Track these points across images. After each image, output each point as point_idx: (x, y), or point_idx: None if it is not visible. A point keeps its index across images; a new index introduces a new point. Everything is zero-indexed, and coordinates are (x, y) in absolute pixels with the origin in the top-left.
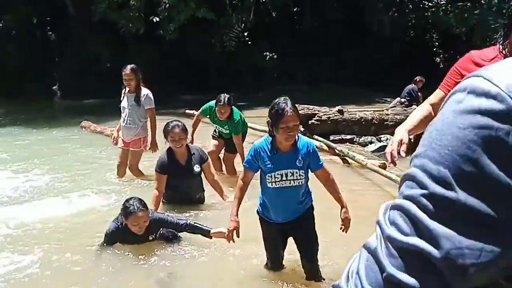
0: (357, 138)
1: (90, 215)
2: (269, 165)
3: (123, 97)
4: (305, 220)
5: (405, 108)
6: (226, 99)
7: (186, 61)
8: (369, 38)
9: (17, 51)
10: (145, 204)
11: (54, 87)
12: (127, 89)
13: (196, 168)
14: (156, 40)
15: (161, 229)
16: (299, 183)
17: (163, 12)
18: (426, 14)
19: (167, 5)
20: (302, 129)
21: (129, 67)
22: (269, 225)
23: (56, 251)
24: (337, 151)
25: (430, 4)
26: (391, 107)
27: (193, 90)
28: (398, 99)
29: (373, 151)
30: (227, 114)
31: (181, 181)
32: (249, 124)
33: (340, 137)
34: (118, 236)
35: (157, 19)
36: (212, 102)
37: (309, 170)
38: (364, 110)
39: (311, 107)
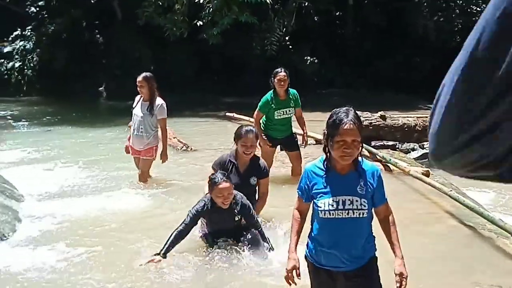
0: (399, 145)
1: (132, 212)
2: (322, 189)
3: (137, 103)
4: (367, 275)
5: None
6: (283, 69)
7: (227, 65)
8: (412, 43)
9: (66, 53)
10: (229, 177)
11: (100, 88)
12: (143, 96)
13: (253, 181)
14: (198, 43)
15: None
16: (360, 214)
17: (207, 16)
18: (474, 19)
19: (211, 9)
20: (319, 136)
21: (142, 75)
22: (319, 273)
23: (103, 245)
24: (378, 157)
25: (478, 9)
26: None
27: (233, 93)
28: None
29: (415, 158)
30: (287, 84)
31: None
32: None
33: (381, 143)
34: (204, 212)
35: (201, 23)
36: (265, 96)
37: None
38: (407, 116)
39: None
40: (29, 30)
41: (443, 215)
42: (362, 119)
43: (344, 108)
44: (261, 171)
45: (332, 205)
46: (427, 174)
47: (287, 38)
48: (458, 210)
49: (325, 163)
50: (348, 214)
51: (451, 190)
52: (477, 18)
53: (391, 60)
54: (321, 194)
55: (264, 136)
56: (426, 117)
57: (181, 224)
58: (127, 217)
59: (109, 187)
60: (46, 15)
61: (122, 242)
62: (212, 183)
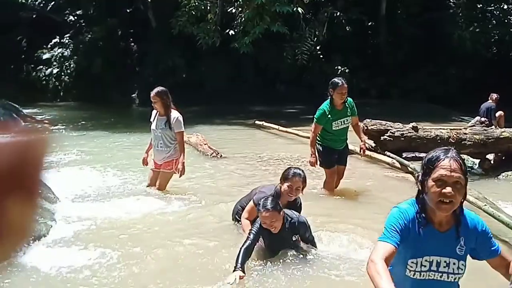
0: None
1: (164, 216)
2: (416, 246)
3: (154, 118)
4: None
5: (485, 128)
6: (343, 80)
7: (258, 74)
8: (447, 54)
9: (102, 61)
10: (277, 204)
11: (133, 95)
12: (158, 111)
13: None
14: (229, 52)
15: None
16: (455, 279)
17: (239, 25)
18: (511, 30)
19: (243, 19)
20: (373, 144)
21: (155, 90)
22: None
23: (136, 248)
24: (410, 169)
25: None
26: (469, 126)
27: (263, 102)
28: (477, 118)
29: None
30: (346, 96)
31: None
32: None
33: (413, 155)
34: (262, 231)
35: (233, 32)
36: (321, 107)
37: (472, 257)
38: (440, 128)
39: (384, 122)
40: (67, 38)
41: None
42: (393, 130)
43: (444, 147)
44: (297, 208)
45: (425, 266)
46: None
47: (318, 47)
48: (493, 224)
49: (421, 214)
50: (441, 277)
51: (485, 205)
52: None
53: (425, 70)
54: (414, 251)
55: (321, 149)
56: (460, 129)
57: (246, 241)
58: (160, 221)
59: (141, 191)
60: (83, 24)
61: (155, 245)
62: (257, 210)
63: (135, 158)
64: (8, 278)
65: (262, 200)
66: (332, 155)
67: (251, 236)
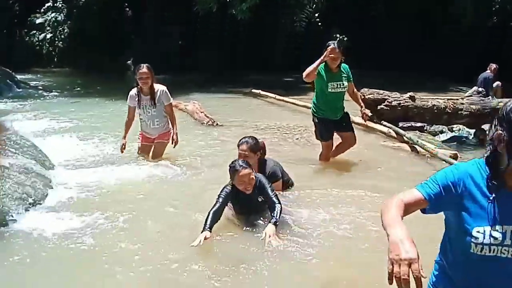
0: (428, 127)
1: (157, 182)
2: (482, 210)
3: (139, 103)
4: None
5: (483, 98)
6: (336, 43)
7: (255, 41)
8: (447, 24)
9: (97, 26)
10: (248, 164)
11: (128, 62)
12: (141, 93)
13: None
14: (227, 19)
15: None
16: None
17: None
18: None
19: None
20: (369, 114)
21: (145, 65)
22: None
23: (130, 213)
24: (405, 138)
25: None
26: (467, 96)
27: (261, 70)
28: (475, 88)
29: (444, 141)
30: (339, 60)
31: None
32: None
33: (409, 124)
34: (231, 196)
35: None
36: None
37: None
38: (437, 98)
39: (381, 91)
40: (61, 2)
41: None
42: (390, 99)
43: None
44: (273, 172)
45: (496, 238)
46: (455, 157)
47: (316, 15)
48: None
49: (492, 178)
50: None
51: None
52: None
53: (425, 41)
54: (479, 218)
55: (316, 121)
56: (457, 99)
57: (215, 204)
58: (155, 188)
59: (136, 158)
60: None
61: (148, 210)
62: (232, 171)
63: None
64: (3, 242)
65: (232, 163)
66: (328, 127)
67: (220, 199)
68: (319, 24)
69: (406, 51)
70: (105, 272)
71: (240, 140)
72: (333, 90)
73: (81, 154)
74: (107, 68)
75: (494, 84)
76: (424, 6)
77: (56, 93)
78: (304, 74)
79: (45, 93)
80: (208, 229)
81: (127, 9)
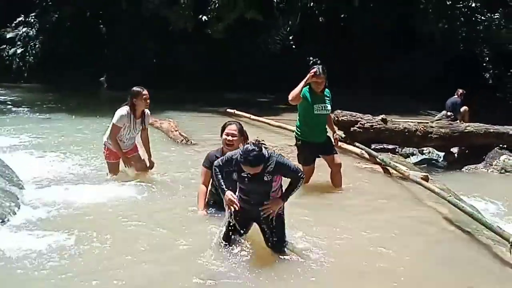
0: (399, 149)
1: (128, 201)
2: None
3: (129, 125)
4: None
5: (451, 122)
6: (321, 68)
7: (230, 61)
8: (417, 48)
9: (69, 42)
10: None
11: (101, 79)
12: (134, 114)
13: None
14: (202, 38)
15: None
16: None
17: (213, 11)
18: (478, 28)
19: (217, 4)
20: (343, 135)
21: (145, 89)
22: None
23: (101, 232)
24: (378, 160)
25: (483, 18)
26: (436, 120)
27: (235, 89)
28: (444, 112)
29: (415, 163)
30: (323, 85)
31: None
32: (290, 127)
33: (382, 146)
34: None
35: (206, 18)
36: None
37: None
38: (408, 121)
39: (354, 114)
40: (33, 17)
41: (441, 220)
42: (363, 121)
43: None
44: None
45: None
46: (426, 179)
47: (291, 37)
48: (456, 215)
49: None
50: None
51: (450, 195)
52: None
53: (396, 64)
54: None
55: (300, 144)
56: (427, 122)
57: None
58: (124, 206)
59: (105, 176)
60: (50, 3)
61: (120, 229)
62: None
63: (100, 143)
64: None
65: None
66: (313, 151)
67: (221, 163)
68: (293, 46)
69: (379, 72)
70: None
71: (224, 125)
72: (319, 112)
73: (51, 171)
74: (79, 84)
75: (462, 109)
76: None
77: (25, 109)
78: (290, 97)
79: (14, 108)
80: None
81: (101, 26)
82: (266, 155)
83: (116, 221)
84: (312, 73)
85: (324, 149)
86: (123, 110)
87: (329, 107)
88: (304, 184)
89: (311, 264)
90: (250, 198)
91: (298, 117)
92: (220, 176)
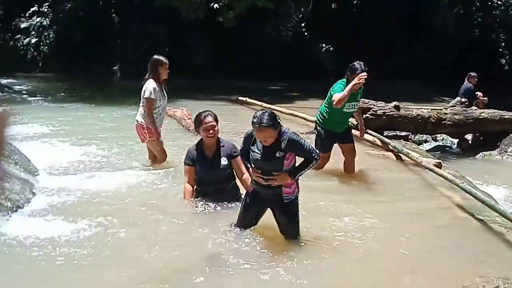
0: (412, 136)
1: (141, 188)
2: None
3: (160, 95)
4: None
5: (465, 108)
6: (363, 65)
7: (242, 49)
8: (431, 35)
9: (82, 31)
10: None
11: (115, 68)
12: (160, 84)
13: (224, 161)
14: (213, 26)
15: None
16: None
17: None
18: (494, 12)
19: None
20: (355, 122)
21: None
22: None
23: (114, 219)
24: (390, 147)
25: (499, 2)
26: (450, 107)
27: (247, 78)
28: (458, 98)
29: (428, 150)
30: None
31: (207, 174)
32: (301, 115)
33: (394, 133)
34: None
35: (217, 6)
36: (338, 84)
37: None
38: (421, 108)
39: (366, 101)
40: (46, 7)
41: (453, 207)
42: (376, 108)
43: None
44: (230, 150)
45: None
46: (439, 166)
47: (303, 24)
48: (468, 202)
49: None
50: None
51: (462, 182)
52: (497, 12)
53: (408, 51)
54: None
55: (321, 132)
56: (440, 109)
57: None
58: (136, 193)
59: (120, 164)
60: None
61: (132, 216)
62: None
63: (114, 131)
64: None
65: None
66: (331, 140)
67: (241, 146)
68: (305, 33)
69: (391, 60)
70: (91, 277)
71: (198, 118)
72: (348, 110)
73: (66, 159)
74: (92, 73)
75: (478, 94)
76: (410, 15)
77: (40, 98)
78: (336, 101)
79: (29, 98)
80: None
81: (114, 15)
82: (279, 127)
83: (126, 208)
84: (361, 75)
85: (342, 138)
86: (151, 82)
87: (358, 105)
88: (318, 170)
89: (324, 249)
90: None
91: (325, 106)
92: (245, 159)
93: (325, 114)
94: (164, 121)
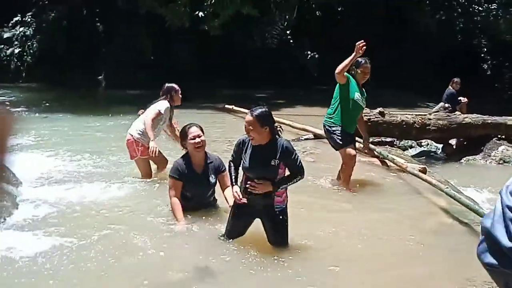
0: (397, 142)
1: (127, 200)
2: None
3: (166, 118)
4: None
5: (449, 114)
6: (368, 60)
7: (228, 57)
8: (414, 40)
9: (66, 41)
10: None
11: (100, 77)
12: (172, 110)
13: (212, 179)
14: (199, 34)
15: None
16: None
17: (209, 7)
18: (475, 18)
19: (213, 0)
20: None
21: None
22: None
23: (98, 232)
24: (376, 153)
25: (480, 8)
26: (434, 112)
27: (233, 85)
28: (441, 104)
29: (413, 156)
30: (367, 77)
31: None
32: (287, 122)
33: (379, 139)
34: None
35: (202, 14)
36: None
37: None
38: (406, 113)
39: None
40: (29, 17)
41: (438, 212)
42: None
43: None
44: (218, 166)
45: None
46: (424, 171)
47: (288, 32)
48: (453, 207)
49: None
50: None
51: (447, 187)
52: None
53: (393, 56)
54: None
55: (339, 129)
56: (425, 115)
57: (230, 162)
58: (122, 205)
59: (105, 175)
60: (46, 2)
61: (116, 229)
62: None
63: (99, 142)
64: None
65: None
66: (347, 135)
67: (233, 154)
68: (291, 41)
69: (376, 67)
70: None
71: (183, 131)
72: (358, 100)
73: (49, 171)
74: (77, 83)
75: (463, 100)
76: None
77: (24, 109)
78: (338, 69)
79: (12, 109)
80: (235, 184)
81: (98, 24)
82: (269, 129)
83: (110, 220)
84: (364, 67)
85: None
86: (166, 103)
87: (365, 103)
88: (347, 183)
89: (312, 256)
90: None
91: (333, 105)
92: (233, 170)
93: (336, 112)
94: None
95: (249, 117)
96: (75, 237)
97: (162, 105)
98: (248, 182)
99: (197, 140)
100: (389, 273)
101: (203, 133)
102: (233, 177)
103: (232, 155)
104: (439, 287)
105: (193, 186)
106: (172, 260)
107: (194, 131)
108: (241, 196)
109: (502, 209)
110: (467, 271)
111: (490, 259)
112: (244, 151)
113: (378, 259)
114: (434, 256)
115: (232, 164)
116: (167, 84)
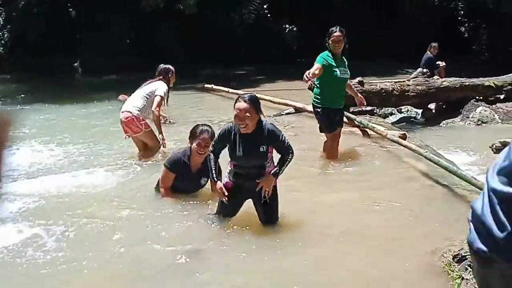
0: (377, 110)
1: (110, 188)
2: None
3: (165, 99)
4: None
5: (427, 79)
6: (338, 27)
7: (205, 36)
8: (398, 16)
9: (38, 28)
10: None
11: (75, 64)
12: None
13: (203, 181)
14: (175, 15)
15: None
16: None
17: None
18: None
19: None
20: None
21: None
22: None
23: (81, 221)
24: (356, 123)
25: None
26: (412, 78)
27: (211, 64)
28: (419, 69)
29: (393, 123)
30: (342, 45)
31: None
32: (268, 98)
33: (359, 109)
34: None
35: None
36: (320, 55)
37: None
38: (385, 81)
39: None
40: None
41: (418, 176)
42: None
43: None
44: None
45: None
46: (403, 137)
47: (265, 6)
48: (433, 170)
49: None
50: None
51: (426, 152)
52: None
53: (376, 32)
54: None
55: (320, 112)
56: (403, 81)
57: (209, 155)
58: (106, 193)
59: (87, 164)
60: None
61: (100, 218)
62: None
63: (80, 131)
64: None
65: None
66: (333, 116)
67: (214, 145)
68: (268, 15)
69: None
70: (67, 280)
71: (194, 130)
72: (341, 76)
73: (29, 163)
74: (52, 72)
75: (441, 64)
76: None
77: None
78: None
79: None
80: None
81: (71, 9)
82: (259, 116)
83: (93, 209)
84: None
85: (339, 119)
86: (164, 84)
87: (348, 73)
88: (334, 159)
89: (303, 231)
90: (246, 172)
91: (317, 84)
92: (213, 163)
93: (318, 92)
94: None
95: (244, 105)
96: (56, 227)
97: (161, 88)
98: (258, 181)
99: (203, 149)
100: (374, 239)
101: (212, 140)
102: (214, 171)
103: (213, 146)
104: (419, 247)
105: (184, 182)
106: (163, 244)
107: (203, 138)
108: (226, 193)
109: (488, 194)
110: (447, 231)
111: (480, 245)
112: (232, 140)
113: (360, 225)
114: (415, 218)
115: (212, 156)
116: (162, 65)
